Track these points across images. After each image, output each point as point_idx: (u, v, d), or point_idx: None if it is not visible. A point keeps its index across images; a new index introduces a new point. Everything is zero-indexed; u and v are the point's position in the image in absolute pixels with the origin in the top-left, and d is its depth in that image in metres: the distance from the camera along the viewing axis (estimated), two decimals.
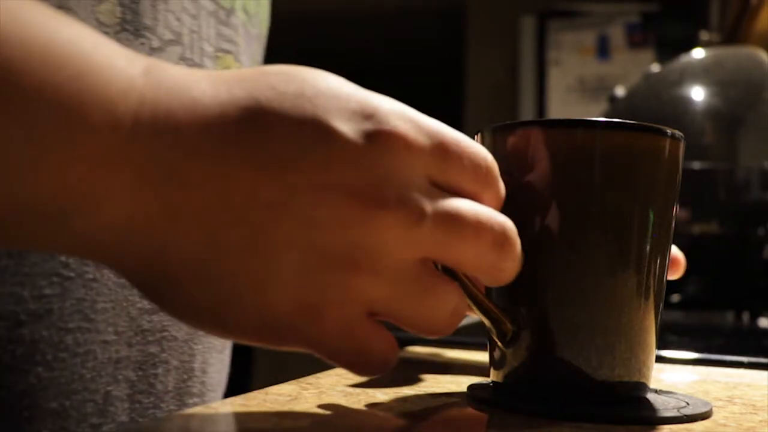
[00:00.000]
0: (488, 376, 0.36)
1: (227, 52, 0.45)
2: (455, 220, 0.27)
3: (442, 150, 0.28)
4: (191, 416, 0.32)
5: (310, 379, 0.40)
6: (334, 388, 0.38)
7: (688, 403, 0.36)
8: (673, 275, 0.39)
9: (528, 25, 2.31)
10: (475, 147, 0.29)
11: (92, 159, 0.24)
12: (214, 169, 0.25)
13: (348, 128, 0.26)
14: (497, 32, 2.67)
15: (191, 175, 0.25)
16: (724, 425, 0.34)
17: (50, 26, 0.24)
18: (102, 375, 0.37)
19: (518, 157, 0.33)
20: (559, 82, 2.25)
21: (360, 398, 0.36)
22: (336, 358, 0.29)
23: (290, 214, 0.26)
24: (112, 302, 0.38)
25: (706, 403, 0.36)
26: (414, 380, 0.42)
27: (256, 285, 0.26)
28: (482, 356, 0.52)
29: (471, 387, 0.38)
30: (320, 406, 0.34)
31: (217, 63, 0.44)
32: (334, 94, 0.27)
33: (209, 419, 0.31)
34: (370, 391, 0.38)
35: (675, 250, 0.38)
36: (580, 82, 2.24)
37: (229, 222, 0.26)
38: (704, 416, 0.34)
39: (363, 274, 0.27)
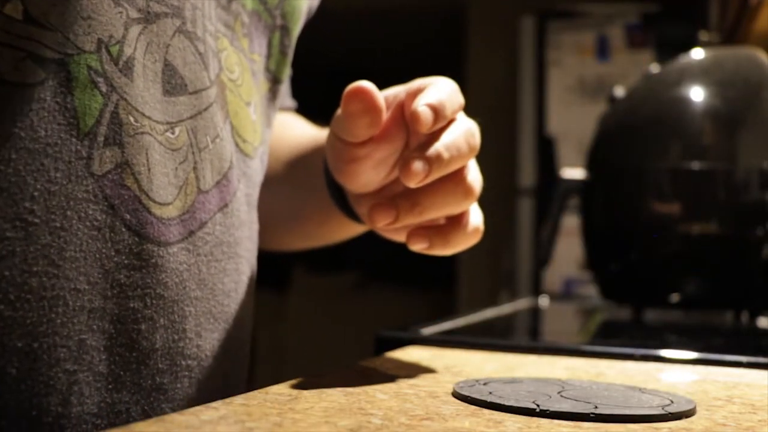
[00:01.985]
0: (486, 375, 0.36)
1: (224, 35, 0.47)
2: None
3: None
4: (191, 416, 0.32)
5: (310, 379, 0.41)
6: (334, 388, 0.38)
7: (672, 401, 0.36)
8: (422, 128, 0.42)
9: (528, 26, 2.30)
10: None
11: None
12: None
13: None
14: (497, 32, 2.67)
15: None
16: (724, 425, 0.34)
17: None
18: (74, 322, 0.38)
19: None
20: (559, 82, 2.25)
21: (360, 398, 0.36)
22: None
23: None
24: (83, 252, 0.38)
25: (690, 401, 0.36)
26: (413, 380, 0.42)
27: None
28: (481, 356, 0.52)
29: (459, 385, 0.38)
30: (320, 406, 0.34)
31: (217, 42, 0.46)
32: None
33: (209, 419, 0.31)
34: (370, 391, 0.38)
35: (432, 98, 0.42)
36: (580, 83, 2.24)
37: None
38: (688, 414, 0.34)
39: None
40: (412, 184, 0.41)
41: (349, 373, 0.43)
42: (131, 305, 0.40)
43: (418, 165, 0.41)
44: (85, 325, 0.38)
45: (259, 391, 0.38)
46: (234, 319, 0.47)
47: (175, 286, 0.42)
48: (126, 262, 0.39)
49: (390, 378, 0.42)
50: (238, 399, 0.36)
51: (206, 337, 0.44)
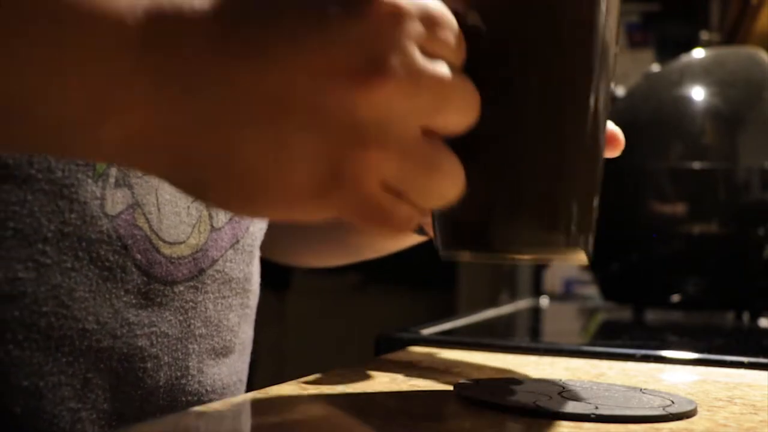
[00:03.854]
0: (486, 375, 0.36)
1: None
2: (448, 86, 0.28)
3: (429, 19, 0.28)
4: (190, 416, 0.32)
5: (310, 379, 0.40)
6: (334, 388, 0.38)
7: (673, 402, 0.36)
8: (612, 152, 0.40)
9: None
10: (449, 15, 0.29)
11: (109, 72, 0.27)
12: (215, 71, 0.27)
13: (338, 9, 0.27)
14: None
15: (194, 80, 0.27)
16: (725, 425, 0.34)
17: None
18: (80, 361, 0.38)
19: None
20: None
21: (360, 398, 0.36)
22: (360, 223, 0.30)
23: (296, 103, 0.27)
24: (93, 292, 0.38)
25: (691, 402, 0.36)
26: (413, 380, 0.42)
27: (277, 173, 0.28)
28: (481, 356, 0.52)
29: (459, 386, 0.38)
30: (320, 406, 0.34)
31: None
32: None
33: (209, 419, 0.31)
34: (369, 391, 0.38)
35: (611, 126, 0.39)
36: None
37: (240, 121, 0.27)
38: (689, 414, 0.34)
39: (373, 149, 0.28)
40: None
41: (349, 373, 0.43)
42: (138, 344, 0.40)
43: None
44: (91, 364, 0.38)
45: (259, 391, 0.38)
46: (236, 353, 0.47)
47: (179, 324, 0.42)
48: (134, 301, 0.40)
49: (390, 378, 0.42)
50: (238, 399, 0.35)
51: (207, 373, 0.44)
